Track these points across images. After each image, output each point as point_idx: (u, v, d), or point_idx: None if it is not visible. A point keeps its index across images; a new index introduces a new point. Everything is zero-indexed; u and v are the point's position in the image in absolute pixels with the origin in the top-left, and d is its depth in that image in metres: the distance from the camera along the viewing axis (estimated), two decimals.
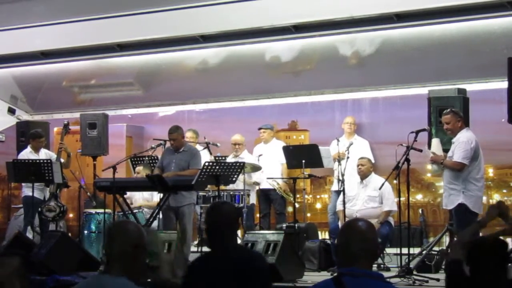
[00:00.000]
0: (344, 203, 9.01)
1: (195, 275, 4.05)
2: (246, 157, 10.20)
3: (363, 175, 9.20)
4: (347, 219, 8.69)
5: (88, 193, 10.67)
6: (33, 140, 10.45)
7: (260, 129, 10.64)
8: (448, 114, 8.05)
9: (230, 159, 10.08)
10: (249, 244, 8.99)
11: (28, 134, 10.86)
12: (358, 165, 9.24)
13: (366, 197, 9.12)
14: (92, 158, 10.90)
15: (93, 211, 9.87)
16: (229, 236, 4.13)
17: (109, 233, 3.55)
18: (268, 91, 11.80)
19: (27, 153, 10.32)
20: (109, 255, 3.46)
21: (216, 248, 4.14)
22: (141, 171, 9.74)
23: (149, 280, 4.24)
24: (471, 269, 3.49)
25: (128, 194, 10.06)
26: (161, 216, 9.05)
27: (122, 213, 9.35)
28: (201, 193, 9.41)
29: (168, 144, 9.35)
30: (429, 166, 8.74)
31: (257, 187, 10.35)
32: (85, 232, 9.78)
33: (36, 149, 10.36)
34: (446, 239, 8.99)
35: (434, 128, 8.75)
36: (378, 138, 10.73)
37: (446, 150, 8.20)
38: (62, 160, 10.09)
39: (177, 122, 10.10)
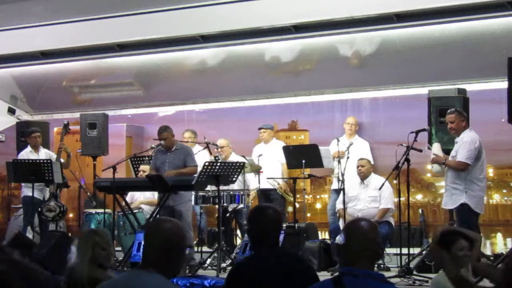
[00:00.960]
0: (344, 202, 9.02)
1: (238, 278, 4.06)
2: (234, 159, 10.14)
3: (363, 176, 9.22)
4: (347, 218, 8.71)
5: (88, 193, 10.66)
6: (28, 138, 10.47)
7: (260, 129, 10.63)
8: (453, 113, 8.05)
9: None
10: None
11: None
12: (358, 166, 9.25)
13: (368, 198, 9.13)
14: (92, 158, 10.91)
15: (93, 211, 9.86)
16: (274, 238, 4.20)
17: (146, 231, 3.61)
18: (268, 91, 11.79)
19: (27, 153, 10.31)
20: (145, 252, 3.51)
21: (261, 250, 4.18)
22: (148, 170, 9.67)
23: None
24: None
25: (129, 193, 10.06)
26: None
27: (122, 213, 9.34)
28: (200, 193, 9.40)
29: None
30: (429, 166, 8.73)
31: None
32: None
33: (35, 147, 10.36)
34: None
35: (434, 128, 8.75)
36: (378, 138, 10.74)
37: (447, 151, 8.19)
38: (62, 160, 10.08)
39: (177, 122, 10.12)
